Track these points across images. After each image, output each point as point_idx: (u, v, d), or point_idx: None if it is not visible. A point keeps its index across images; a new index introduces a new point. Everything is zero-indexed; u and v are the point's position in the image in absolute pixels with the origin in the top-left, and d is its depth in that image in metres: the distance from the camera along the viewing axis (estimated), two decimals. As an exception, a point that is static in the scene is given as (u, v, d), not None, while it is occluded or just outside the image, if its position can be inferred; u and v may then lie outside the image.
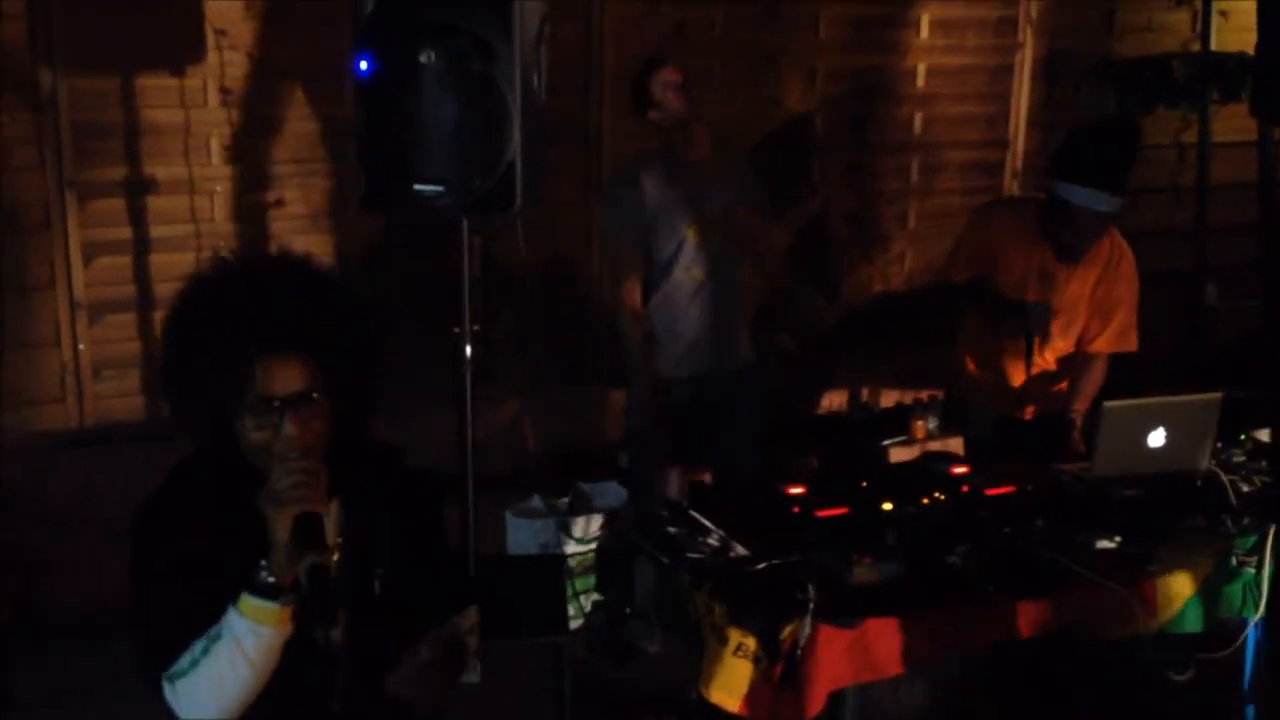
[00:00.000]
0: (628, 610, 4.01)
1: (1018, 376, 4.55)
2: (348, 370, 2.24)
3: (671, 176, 4.74)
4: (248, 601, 2.11)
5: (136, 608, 2.24)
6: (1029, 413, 4.66)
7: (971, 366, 4.78)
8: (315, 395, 2.18)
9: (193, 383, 2.20)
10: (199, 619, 2.14)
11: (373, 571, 2.28)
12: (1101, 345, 4.51)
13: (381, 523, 2.32)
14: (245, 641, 2.12)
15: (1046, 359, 4.58)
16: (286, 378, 2.16)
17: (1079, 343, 4.54)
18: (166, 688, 2.17)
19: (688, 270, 4.77)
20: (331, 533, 2.23)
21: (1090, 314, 4.50)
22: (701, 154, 4.77)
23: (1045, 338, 4.45)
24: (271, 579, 2.11)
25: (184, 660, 2.15)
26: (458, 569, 2.54)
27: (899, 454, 5.51)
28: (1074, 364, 4.55)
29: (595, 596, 4.78)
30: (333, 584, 2.13)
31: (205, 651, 2.13)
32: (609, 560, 4.39)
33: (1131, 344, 4.52)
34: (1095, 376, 4.52)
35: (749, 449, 4.97)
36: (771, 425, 5.17)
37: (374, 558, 2.30)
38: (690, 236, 4.75)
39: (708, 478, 4.90)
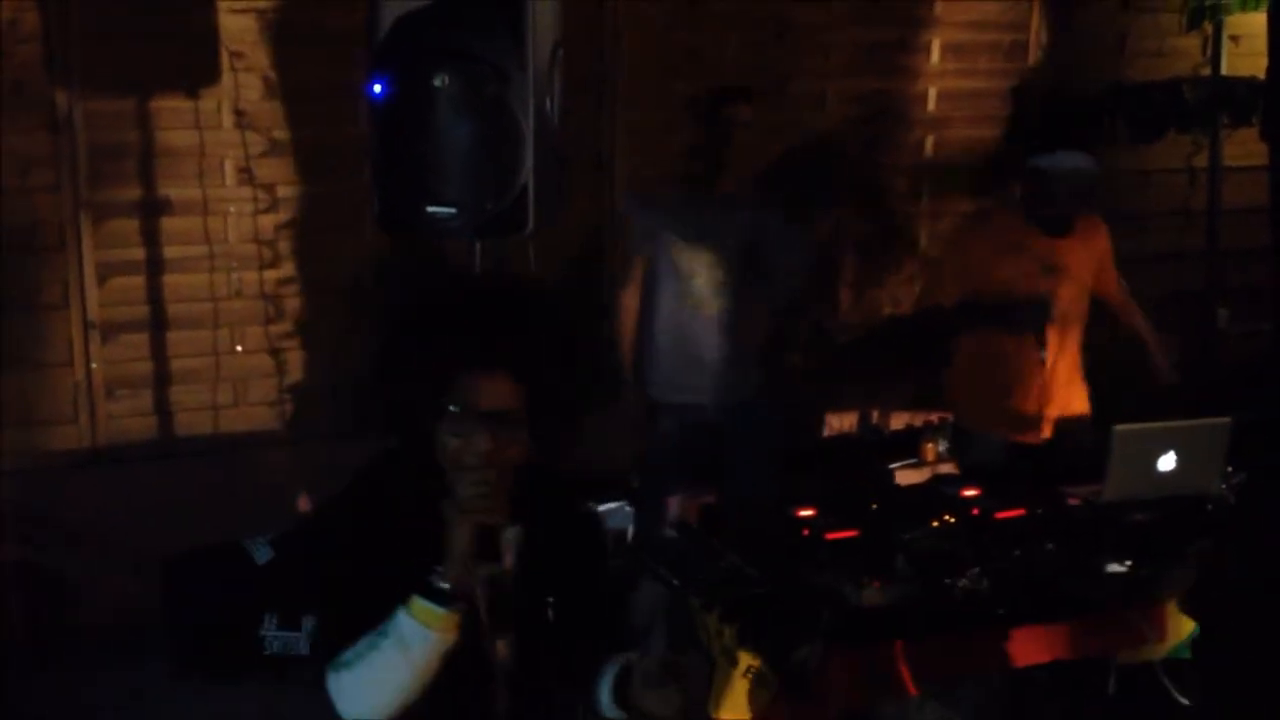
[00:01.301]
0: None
1: (1033, 386, 4.60)
2: (551, 400, 2.26)
3: (697, 205, 4.75)
4: (418, 604, 2.13)
5: (319, 594, 2.32)
6: (1045, 432, 4.68)
7: (971, 394, 4.81)
8: (515, 416, 2.21)
9: (405, 380, 2.24)
10: (370, 613, 2.17)
11: (546, 598, 2.29)
12: (1116, 291, 4.82)
13: (557, 554, 2.33)
14: (410, 644, 2.13)
15: (1060, 369, 4.64)
16: (492, 394, 2.19)
17: (1103, 302, 4.79)
18: (330, 677, 2.20)
19: (701, 299, 4.77)
20: (510, 554, 2.25)
21: (1089, 282, 4.68)
22: (727, 187, 4.76)
23: (1048, 328, 4.56)
24: (445, 585, 2.13)
25: (349, 653, 2.17)
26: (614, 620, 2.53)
27: (908, 476, 5.52)
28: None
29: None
30: (508, 598, 2.19)
31: (371, 647, 2.15)
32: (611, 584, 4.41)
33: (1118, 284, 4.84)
34: (1135, 311, 4.87)
35: (765, 479, 4.93)
36: (783, 454, 5.16)
37: (549, 585, 2.30)
38: (705, 267, 4.75)
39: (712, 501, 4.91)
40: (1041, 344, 4.57)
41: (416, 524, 2.20)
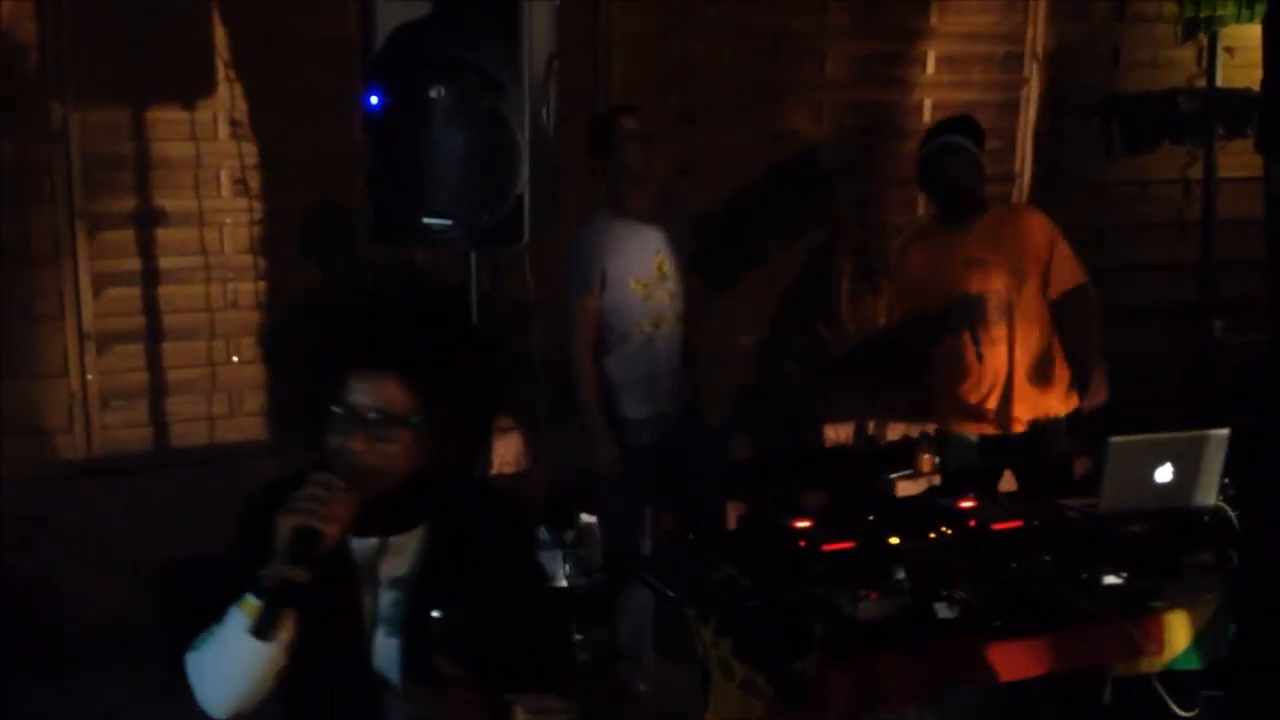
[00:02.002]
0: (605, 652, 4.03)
1: (984, 382, 4.73)
2: (453, 406, 2.21)
3: (617, 229, 4.74)
4: (246, 598, 2.13)
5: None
6: (1016, 428, 4.76)
7: (937, 396, 4.95)
8: (399, 420, 2.17)
9: (307, 384, 2.25)
10: (220, 604, 2.18)
11: (430, 611, 2.24)
12: (1058, 285, 4.71)
13: (462, 568, 2.27)
14: (233, 632, 2.14)
15: (1023, 364, 4.71)
16: (372, 394, 2.16)
17: (1046, 297, 4.74)
18: (188, 657, 2.23)
19: (637, 322, 4.77)
20: (396, 565, 2.24)
21: (1030, 269, 4.68)
22: (642, 208, 4.75)
23: (983, 323, 4.66)
24: (264, 578, 2.12)
25: (199, 639, 2.21)
26: (558, 640, 2.44)
27: (904, 487, 5.53)
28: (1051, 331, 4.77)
29: (578, 636, 4.77)
30: (293, 602, 2.12)
31: (210, 634, 2.19)
32: (600, 597, 4.42)
33: (1080, 276, 4.75)
34: (1080, 317, 4.75)
35: (711, 492, 5.04)
36: (728, 470, 5.22)
37: (438, 600, 2.24)
38: (636, 289, 4.76)
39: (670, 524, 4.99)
40: (975, 340, 4.65)
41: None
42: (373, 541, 2.25)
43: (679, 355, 4.91)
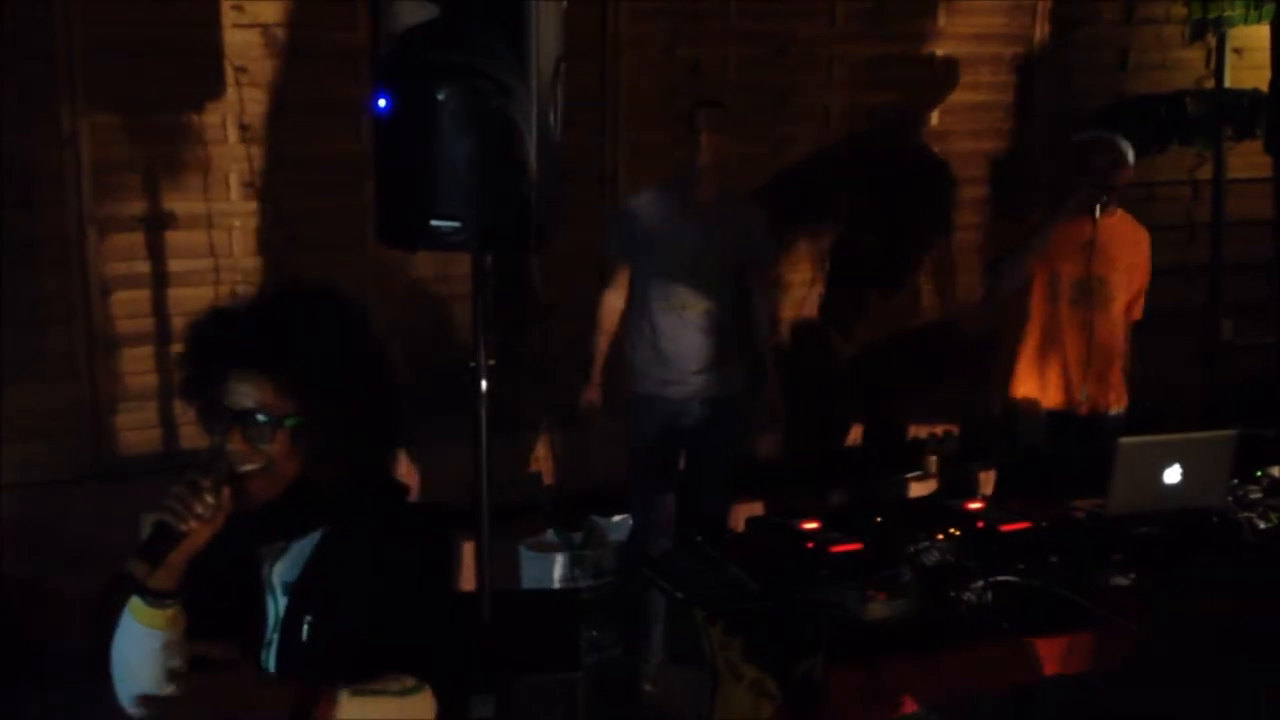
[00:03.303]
0: (620, 650, 4.03)
1: (1074, 348, 4.97)
2: (332, 403, 2.18)
3: (675, 208, 4.87)
4: (133, 594, 2.18)
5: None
6: (1085, 407, 5.00)
7: (1027, 357, 5.07)
8: (275, 421, 2.16)
9: (183, 391, 2.25)
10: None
11: (303, 617, 2.24)
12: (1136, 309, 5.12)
13: (346, 571, 2.24)
14: (126, 628, 2.21)
15: (1102, 346, 4.98)
16: (243, 393, 2.16)
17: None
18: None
19: (677, 301, 4.88)
20: (289, 570, 2.24)
21: (1134, 278, 5.05)
22: (707, 197, 4.87)
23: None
24: (131, 575, 2.16)
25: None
26: (446, 637, 2.36)
27: (913, 489, 5.54)
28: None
29: (592, 633, 4.79)
30: (125, 594, 2.18)
31: (116, 629, 2.25)
32: (609, 599, 4.42)
33: (1139, 312, 5.14)
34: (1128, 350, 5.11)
35: (719, 481, 5.13)
36: (738, 463, 5.25)
37: (311, 603, 2.23)
38: (677, 269, 4.86)
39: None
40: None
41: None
42: (278, 545, 2.27)
43: (714, 346, 4.95)
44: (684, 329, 4.90)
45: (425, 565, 2.33)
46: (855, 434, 6.46)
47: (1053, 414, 5.05)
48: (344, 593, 2.23)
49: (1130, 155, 4.95)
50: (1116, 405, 5.05)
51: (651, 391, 4.97)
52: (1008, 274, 5.10)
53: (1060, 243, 4.94)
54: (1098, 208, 4.86)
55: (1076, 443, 4.99)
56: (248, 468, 2.17)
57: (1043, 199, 5.23)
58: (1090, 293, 4.94)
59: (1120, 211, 5.06)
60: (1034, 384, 5.07)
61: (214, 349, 2.20)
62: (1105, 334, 4.99)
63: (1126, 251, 5.02)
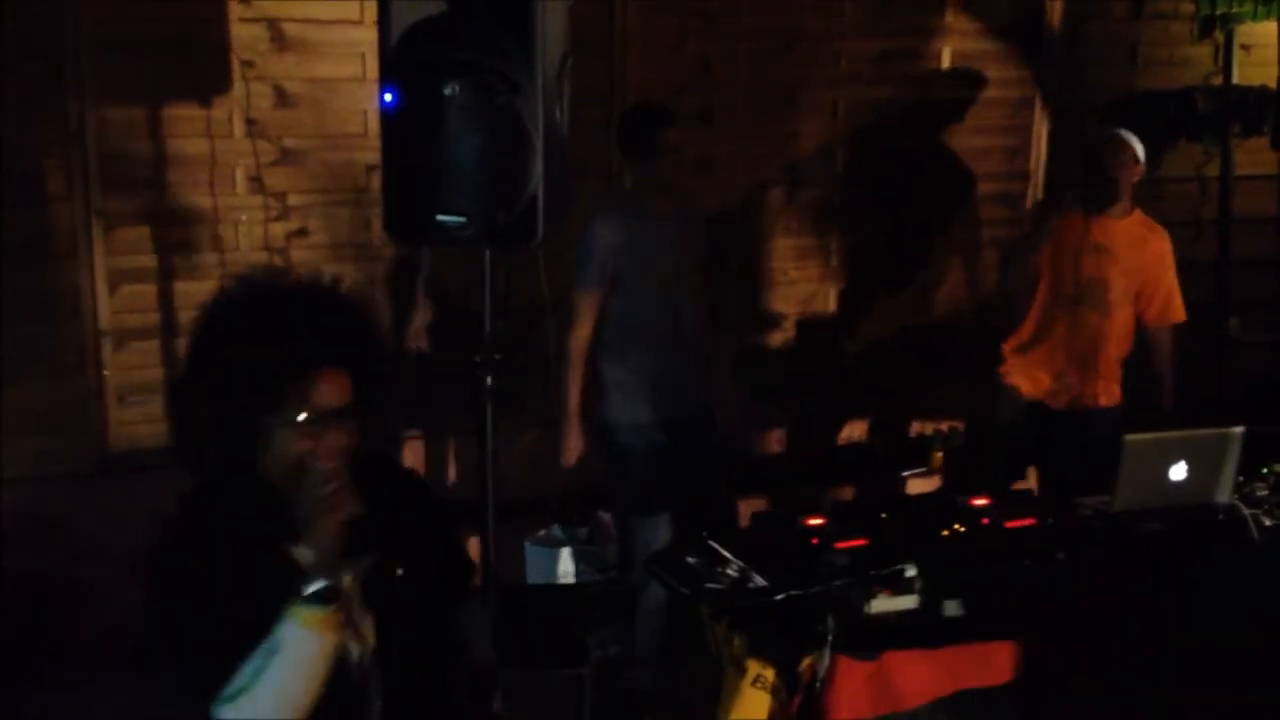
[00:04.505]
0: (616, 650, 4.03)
1: (1062, 342, 5.03)
2: (375, 387, 2.31)
3: (637, 227, 4.76)
4: (303, 611, 2.12)
5: (178, 640, 2.25)
6: (1062, 400, 5.07)
7: (1017, 346, 5.16)
8: (352, 409, 2.25)
9: (226, 398, 2.22)
10: (242, 641, 2.15)
11: (394, 575, 2.32)
12: (1160, 314, 5.12)
13: (398, 529, 2.37)
14: (304, 650, 2.13)
15: (1104, 348, 5.02)
16: (334, 390, 2.23)
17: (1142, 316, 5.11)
18: (226, 709, 2.15)
19: (650, 318, 4.79)
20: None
21: (1145, 281, 5.05)
22: (665, 210, 4.79)
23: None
24: (323, 586, 2.13)
25: (240, 679, 2.14)
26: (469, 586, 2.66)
27: (918, 485, 5.55)
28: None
29: (597, 629, 4.78)
30: (397, 582, 2.27)
31: (262, 668, 2.12)
32: (614, 594, 4.42)
33: (1182, 314, 5.17)
34: (1166, 350, 5.15)
35: (720, 494, 5.05)
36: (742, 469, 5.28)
37: (395, 559, 2.34)
38: (651, 288, 4.77)
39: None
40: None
41: (260, 544, 2.20)
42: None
43: (696, 359, 4.91)
44: (664, 348, 4.81)
45: (451, 532, 2.56)
46: (860, 430, 6.46)
47: (1031, 403, 5.12)
48: (408, 554, 2.36)
49: (1141, 153, 4.95)
50: (1105, 401, 5.06)
51: (635, 419, 4.82)
52: (1011, 271, 5.18)
53: (1063, 241, 4.94)
54: (1096, 206, 4.90)
55: (1051, 433, 5.05)
56: (337, 460, 2.23)
57: (1052, 195, 5.21)
58: (1088, 292, 4.96)
59: (1137, 213, 5.07)
60: (1018, 372, 5.14)
61: (298, 349, 2.23)
62: (1099, 333, 5.00)
63: (1131, 253, 5.01)
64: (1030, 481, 5.29)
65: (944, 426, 5.91)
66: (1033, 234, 5.03)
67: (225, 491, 2.29)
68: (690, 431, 4.89)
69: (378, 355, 2.35)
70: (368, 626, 2.29)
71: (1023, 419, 5.14)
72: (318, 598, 2.13)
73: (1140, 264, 5.03)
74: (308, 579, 2.14)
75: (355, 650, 2.27)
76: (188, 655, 2.23)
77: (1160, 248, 5.09)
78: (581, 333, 4.78)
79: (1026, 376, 5.13)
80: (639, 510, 4.86)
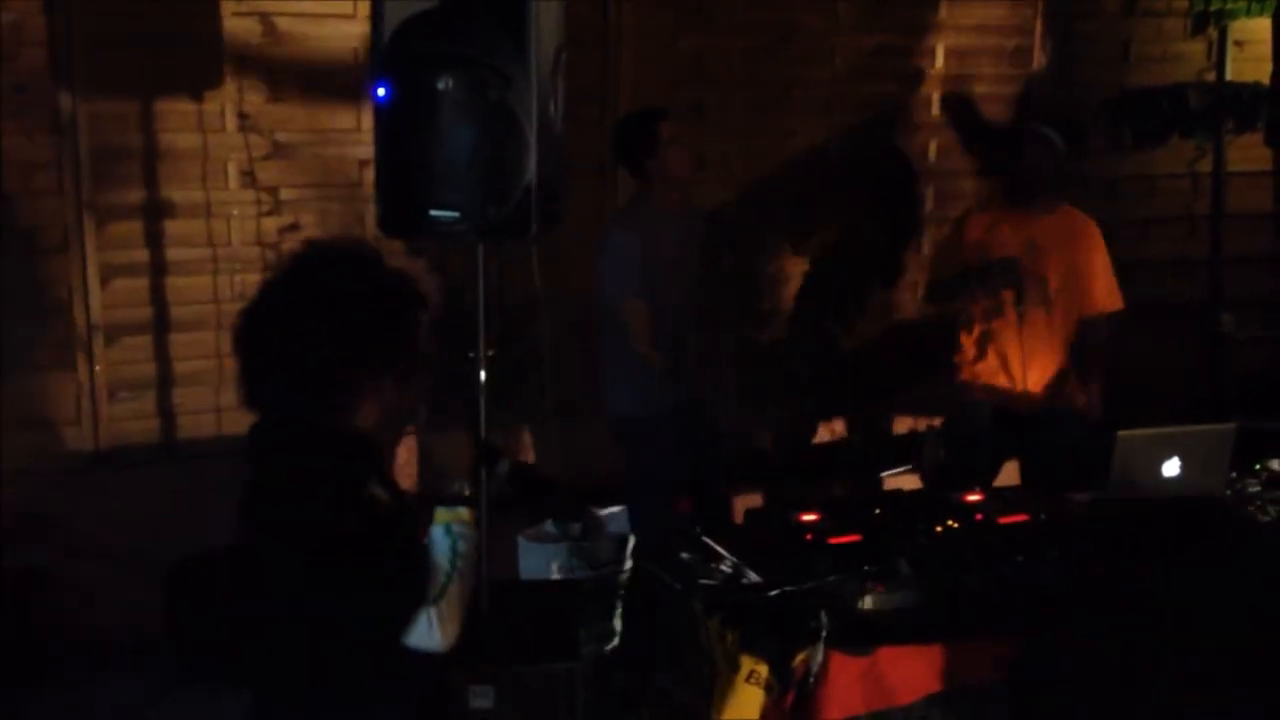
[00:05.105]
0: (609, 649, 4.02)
1: (1013, 344, 4.97)
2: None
3: (654, 230, 4.83)
4: (459, 513, 2.53)
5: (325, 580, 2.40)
6: (1024, 403, 5.02)
7: (970, 358, 5.14)
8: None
9: (344, 350, 2.49)
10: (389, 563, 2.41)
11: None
12: (1094, 303, 5.03)
13: None
14: (468, 548, 2.50)
15: (1048, 345, 4.98)
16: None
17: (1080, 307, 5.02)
18: (429, 616, 2.39)
19: (660, 313, 4.86)
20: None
21: (1078, 272, 4.99)
22: (674, 209, 4.91)
23: (1022, 288, 4.89)
24: (468, 491, 2.60)
25: (430, 592, 2.42)
26: None
27: (904, 482, 5.57)
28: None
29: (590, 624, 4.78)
30: (535, 472, 2.65)
31: (448, 573, 2.45)
32: (607, 590, 4.41)
33: (1119, 302, 5.07)
34: (1098, 341, 5.06)
35: (716, 486, 5.22)
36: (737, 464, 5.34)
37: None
38: (667, 286, 4.86)
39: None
40: (1019, 299, 4.92)
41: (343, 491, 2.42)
42: None
43: (691, 352, 5.01)
44: (677, 341, 4.93)
45: None
46: (848, 427, 6.46)
47: (997, 409, 5.10)
48: None
49: (1060, 145, 4.95)
50: (1072, 399, 5.02)
51: (651, 410, 4.92)
52: (938, 286, 5.25)
53: (991, 243, 4.94)
54: (1022, 201, 4.95)
55: (1023, 436, 5.04)
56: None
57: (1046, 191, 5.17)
58: (1029, 291, 4.92)
59: (1064, 207, 5.06)
60: (975, 386, 5.13)
61: (413, 307, 2.63)
62: (1046, 333, 4.98)
63: (1063, 251, 4.98)
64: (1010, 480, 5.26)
65: (935, 423, 5.92)
66: (946, 242, 5.12)
67: (303, 440, 2.55)
68: (689, 422, 4.98)
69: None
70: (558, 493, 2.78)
71: (990, 425, 5.12)
72: (464, 500, 2.56)
73: (1073, 260, 5.00)
74: (453, 486, 2.57)
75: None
76: (371, 594, 2.40)
77: (1090, 240, 5.05)
78: (645, 337, 4.86)
79: (983, 388, 5.11)
80: (657, 495, 4.97)
